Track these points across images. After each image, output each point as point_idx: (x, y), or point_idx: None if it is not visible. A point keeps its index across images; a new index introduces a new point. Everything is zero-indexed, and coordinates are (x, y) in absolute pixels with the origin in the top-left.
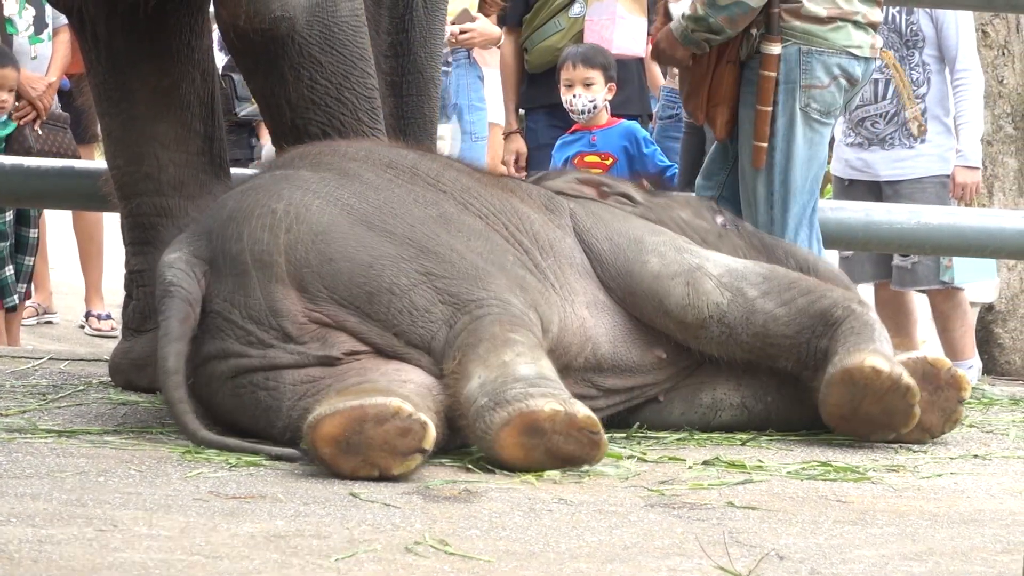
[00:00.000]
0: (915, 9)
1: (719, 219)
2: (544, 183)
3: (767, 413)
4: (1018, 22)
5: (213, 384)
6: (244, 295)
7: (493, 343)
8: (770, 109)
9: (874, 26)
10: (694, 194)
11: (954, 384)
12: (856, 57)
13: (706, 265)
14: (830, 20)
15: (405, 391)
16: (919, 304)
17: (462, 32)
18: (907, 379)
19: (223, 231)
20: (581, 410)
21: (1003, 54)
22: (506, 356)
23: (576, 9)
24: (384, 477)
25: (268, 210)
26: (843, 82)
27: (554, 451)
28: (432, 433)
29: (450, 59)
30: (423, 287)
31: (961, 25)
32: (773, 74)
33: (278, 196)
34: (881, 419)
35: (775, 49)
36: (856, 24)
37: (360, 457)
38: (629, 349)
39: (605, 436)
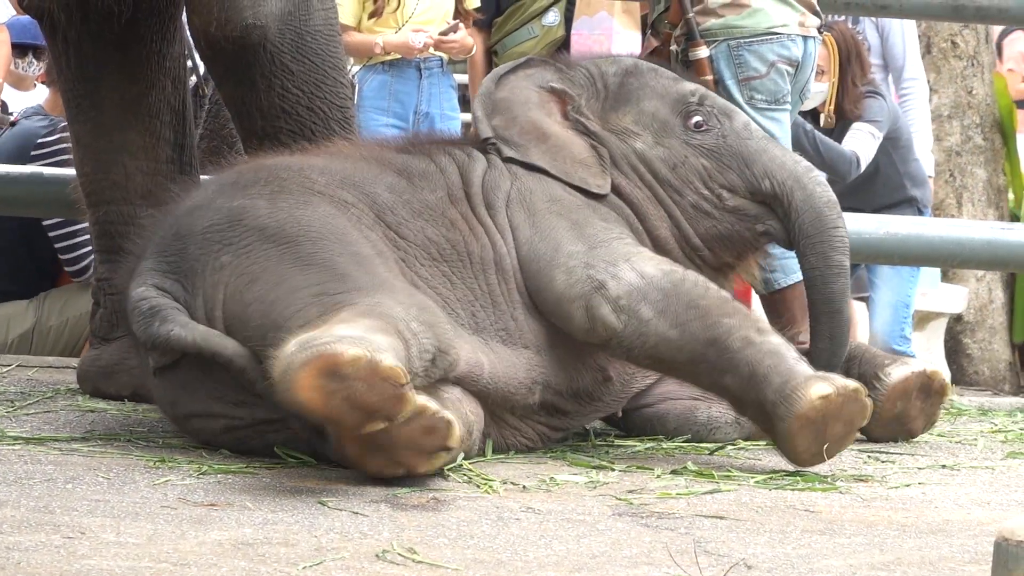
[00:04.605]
0: (861, 18)
1: (694, 119)
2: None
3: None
4: (987, 33)
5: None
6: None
7: (331, 319)
8: None
9: (801, 1)
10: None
11: (942, 391)
12: (787, 36)
13: (608, 284)
14: (739, 6)
15: None
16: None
17: (441, 43)
18: (851, 384)
19: (186, 277)
20: (387, 359)
21: (972, 64)
22: (334, 325)
23: (550, 18)
24: (344, 483)
25: (218, 265)
26: (783, 67)
27: (354, 399)
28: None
29: (422, 67)
30: (312, 307)
31: (907, 35)
32: (709, 77)
33: (228, 243)
34: (846, 430)
35: (702, 53)
36: (775, 1)
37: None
38: (581, 375)
39: (413, 392)
